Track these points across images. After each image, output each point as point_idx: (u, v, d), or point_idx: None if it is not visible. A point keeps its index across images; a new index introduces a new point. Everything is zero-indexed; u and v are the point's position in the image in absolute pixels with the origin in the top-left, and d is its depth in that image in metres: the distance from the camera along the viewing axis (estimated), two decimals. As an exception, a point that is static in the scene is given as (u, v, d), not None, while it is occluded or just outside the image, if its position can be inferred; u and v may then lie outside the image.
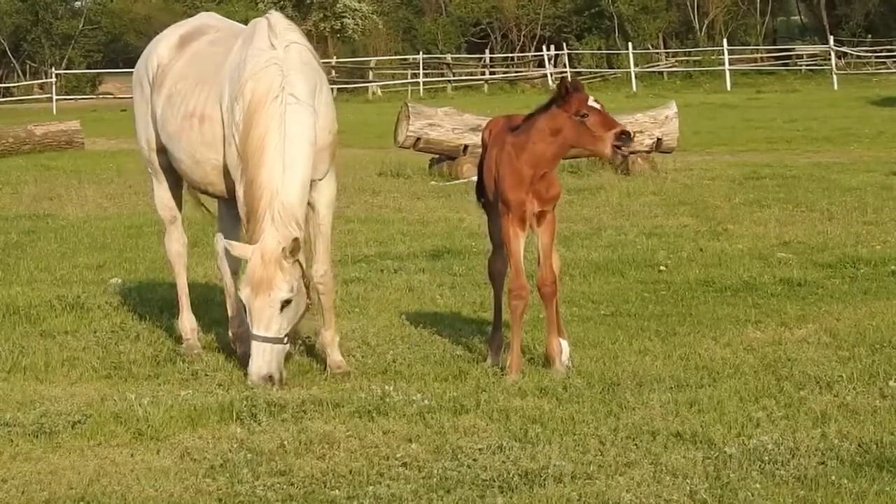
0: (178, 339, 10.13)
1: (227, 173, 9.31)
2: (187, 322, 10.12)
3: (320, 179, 9.26)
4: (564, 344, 9.02)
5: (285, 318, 8.81)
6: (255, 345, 8.81)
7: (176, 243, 10.30)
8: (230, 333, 9.81)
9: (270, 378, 8.71)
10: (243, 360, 9.14)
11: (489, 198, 9.13)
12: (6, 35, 78.99)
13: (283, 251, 8.72)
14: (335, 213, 9.57)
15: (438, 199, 19.80)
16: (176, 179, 10.13)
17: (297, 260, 8.83)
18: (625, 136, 8.36)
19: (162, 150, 9.96)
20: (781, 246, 14.36)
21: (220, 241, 9.68)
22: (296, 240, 8.77)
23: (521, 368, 8.84)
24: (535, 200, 8.72)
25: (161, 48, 10.06)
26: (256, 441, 7.46)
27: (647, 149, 22.46)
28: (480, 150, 9.47)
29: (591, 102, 8.48)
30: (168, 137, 9.76)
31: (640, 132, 22.42)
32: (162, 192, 10.22)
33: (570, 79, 8.79)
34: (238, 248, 9.03)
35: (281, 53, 9.14)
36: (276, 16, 9.49)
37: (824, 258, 13.46)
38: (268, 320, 8.76)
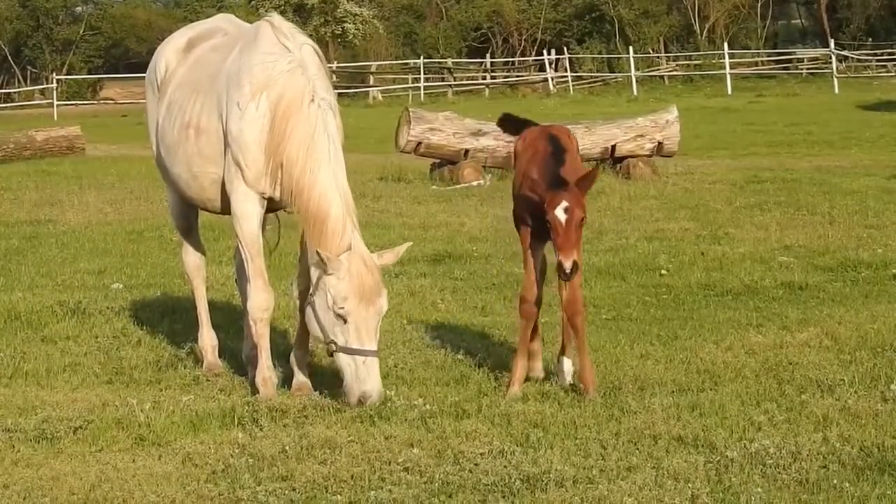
0: (198, 360, 9.65)
1: (225, 188, 8.75)
2: (207, 340, 9.55)
3: None
4: (567, 362, 8.85)
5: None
6: (370, 361, 8.17)
7: (192, 255, 9.69)
8: (244, 356, 9.37)
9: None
10: (251, 384, 8.83)
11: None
12: (7, 41, 79.06)
13: (380, 257, 8.32)
14: None
15: (439, 203, 19.79)
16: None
17: None
18: (561, 272, 7.99)
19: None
20: (782, 250, 14.36)
21: (239, 257, 9.03)
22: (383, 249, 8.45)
23: (523, 381, 8.71)
24: None
25: (168, 51, 9.51)
26: (258, 446, 7.45)
27: (648, 153, 22.49)
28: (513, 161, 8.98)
29: (558, 211, 7.96)
30: (166, 149, 9.22)
31: (641, 136, 22.53)
32: (175, 201, 9.63)
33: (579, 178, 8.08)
34: (332, 259, 8.11)
35: (299, 55, 8.58)
36: (277, 18, 8.91)
37: (825, 262, 13.46)
38: (376, 330, 8.22)
